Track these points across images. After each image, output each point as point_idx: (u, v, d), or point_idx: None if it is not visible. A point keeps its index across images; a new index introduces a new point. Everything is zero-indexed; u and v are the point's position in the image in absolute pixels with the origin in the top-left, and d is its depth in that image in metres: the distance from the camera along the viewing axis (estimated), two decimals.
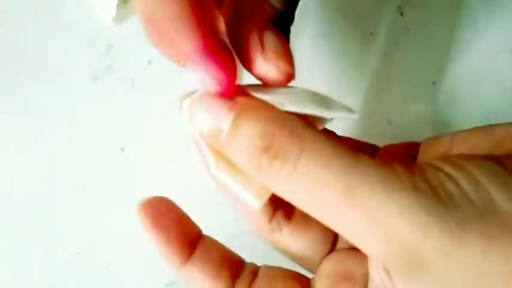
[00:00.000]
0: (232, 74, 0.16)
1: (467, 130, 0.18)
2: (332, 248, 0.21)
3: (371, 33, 0.32)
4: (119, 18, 0.32)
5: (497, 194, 0.14)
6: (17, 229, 0.30)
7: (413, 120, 0.32)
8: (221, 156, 0.17)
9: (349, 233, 0.15)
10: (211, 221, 0.30)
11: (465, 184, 0.14)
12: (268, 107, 0.16)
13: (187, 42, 0.15)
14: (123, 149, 0.31)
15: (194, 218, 0.21)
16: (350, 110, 0.17)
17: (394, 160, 0.15)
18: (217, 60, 0.15)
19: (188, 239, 0.20)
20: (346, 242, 0.21)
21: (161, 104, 0.31)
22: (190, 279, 0.20)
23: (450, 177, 0.14)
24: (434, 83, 0.32)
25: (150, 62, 0.31)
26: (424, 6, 0.32)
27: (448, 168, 0.15)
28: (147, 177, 0.31)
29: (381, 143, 0.26)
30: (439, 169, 0.15)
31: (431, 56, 0.32)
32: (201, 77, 0.16)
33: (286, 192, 0.15)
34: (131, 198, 0.31)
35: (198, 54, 0.15)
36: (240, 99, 0.16)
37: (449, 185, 0.14)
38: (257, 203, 0.16)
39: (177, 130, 0.30)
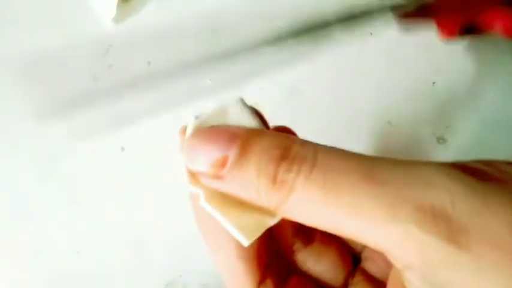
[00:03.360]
0: None
1: None
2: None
3: (371, 33, 0.32)
4: (118, 18, 0.32)
5: None
6: (16, 229, 0.30)
7: (414, 120, 0.32)
8: (214, 191, 0.16)
9: (375, 217, 0.14)
10: None
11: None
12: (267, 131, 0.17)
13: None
14: (123, 149, 0.31)
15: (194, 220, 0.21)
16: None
17: None
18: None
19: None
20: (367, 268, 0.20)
21: (161, 104, 0.31)
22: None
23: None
24: (434, 83, 0.32)
25: (150, 62, 0.31)
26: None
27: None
28: (147, 177, 0.31)
29: (381, 143, 0.26)
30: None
31: (431, 56, 0.32)
32: None
33: (303, 203, 0.15)
34: (131, 198, 0.32)
35: None
36: (234, 128, 0.16)
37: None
38: (246, 240, 0.16)
39: (176, 130, 0.30)
